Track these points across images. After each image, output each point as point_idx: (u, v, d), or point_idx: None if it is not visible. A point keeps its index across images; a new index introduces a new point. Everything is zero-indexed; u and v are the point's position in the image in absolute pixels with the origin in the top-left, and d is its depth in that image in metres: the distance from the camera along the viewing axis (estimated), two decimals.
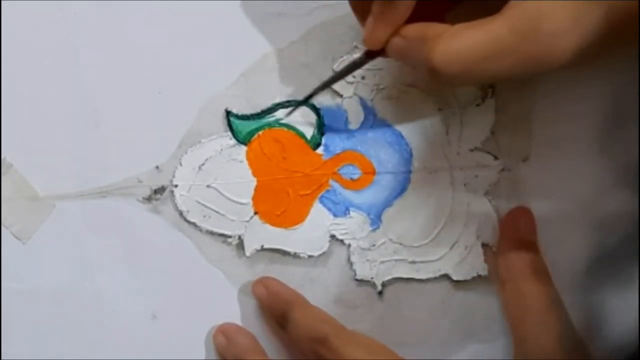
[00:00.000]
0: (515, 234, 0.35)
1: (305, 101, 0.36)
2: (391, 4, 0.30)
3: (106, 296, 0.37)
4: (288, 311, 0.35)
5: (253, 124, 0.37)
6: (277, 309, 0.35)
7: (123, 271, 0.37)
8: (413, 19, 0.30)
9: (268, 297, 0.36)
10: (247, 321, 0.37)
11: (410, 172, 0.36)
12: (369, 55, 0.33)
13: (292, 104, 0.36)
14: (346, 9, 0.36)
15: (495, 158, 0.36)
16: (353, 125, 0.37)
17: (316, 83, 0.36)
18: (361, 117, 0.37)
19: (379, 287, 0.36)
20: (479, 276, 0.36)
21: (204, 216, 0.36)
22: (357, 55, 0.34)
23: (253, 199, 0.36)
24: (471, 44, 0.28)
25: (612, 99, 0.36)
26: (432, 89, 0.36)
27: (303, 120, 0.37)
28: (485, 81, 0.35)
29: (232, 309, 0.37)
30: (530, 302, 0.34)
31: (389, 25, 0.31)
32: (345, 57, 0.36)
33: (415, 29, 0.30)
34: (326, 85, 0.35)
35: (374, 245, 0.36)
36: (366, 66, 0.36)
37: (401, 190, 0.36)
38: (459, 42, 0.28)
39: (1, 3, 0.36)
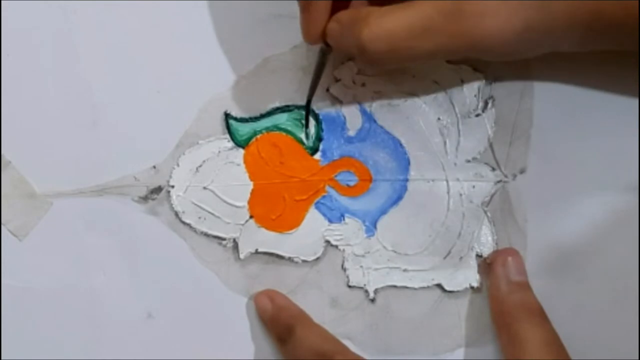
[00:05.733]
0: (505, 277, 0.35)
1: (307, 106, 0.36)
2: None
3: (102, 294, 0.37)
4: (294, 326, 0.35)
5: (251, 128, 0.37)
6: (282, 323, 0.35)
7: (119, 270, 0.37)
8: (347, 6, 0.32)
9: (273, 309, 0.36)
10: (241, 322, 0.37)
11: (407, 180, 0.37)
12: (324, 51, 0.34)
13: (292, 109, 0.37)
14: None
15: (493, 169, 0.36)
16: (351, 132, 0.37)
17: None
18: (360, 124, 0.37)
19: (372, 295, 0.36)
20: (471, 287, 0.36)
21: (199, 218, 0.37)
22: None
23: (249, 202, 0.37)
24: (398, 22, 0.30)
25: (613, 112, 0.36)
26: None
27: (302, 125, 0.37)
28: (414, 60, 0.34)
29: (226, 309, 0.37)
30: (526, 346, 0.33)
31: (315, 17, 0.32)
32: (347, 62, 0.36)
33: (348, 14, 0.32)
34: (312, 92, 0.36)
35: (368, 252, 0.36)
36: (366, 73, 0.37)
37: (397, 198, 0.36)
38: (386, 21, 0.30)
39: (1, 3, 0.36)
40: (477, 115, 0.36)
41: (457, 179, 0.36)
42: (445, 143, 0.36)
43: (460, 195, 0.36)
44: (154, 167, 0.37)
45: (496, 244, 0.36)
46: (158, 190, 0.37)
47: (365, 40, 0.30)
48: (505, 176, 0.36)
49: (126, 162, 0.37)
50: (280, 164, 0.37)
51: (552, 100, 0.36)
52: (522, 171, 0.36)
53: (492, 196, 0.36)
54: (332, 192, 0.37)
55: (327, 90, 0.36)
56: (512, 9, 0.29)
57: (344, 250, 0.37)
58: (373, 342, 0.36)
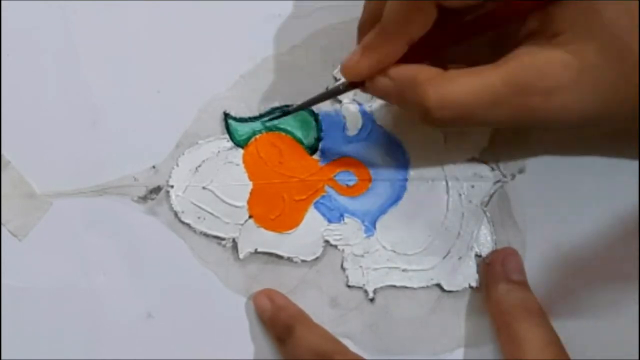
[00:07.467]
0: (504, 277, 0.35)
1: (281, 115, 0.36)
2: (387, 40, 0.29)
3: (101, 294, 0.37)
4: (293, 326, 0.35)
5: (251, 127, 0.37)
6: (281, 323, 0.35)
7: (119, 270, 0.37)
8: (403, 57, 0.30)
9: (272, 309, 0.36)
10: (240, 321, 0.37)
11: (406, 180, 0.37)
12: (350, 86, 0.32)
13: (291, 109, 0.37)
14: (347, 13, 0.36)
15: (492, 169, 0.36)
16: (351, 132, 0.37)
17: (315, 87, 0.36)
18: (359, 124, 0.37)
19: (371, 294, 0.36)
20: (471, 287, 0.36)
21: (199, 217, 0.37)
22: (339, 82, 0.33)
23: (248, 202, 0.37)
24: (466, 90, 0.28)
25: None
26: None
27: (301, 125, 0.37)
28: (481, 127, 0.34)
29: (226, 309, 0.37)
30: (526, 346, 0.32)
31: (376, 61, 0.30)
32: None
33: (405, 71, 0.30)
34: (300, 107, 0.35)
35: (367, 252, 0.36)
36: None
37: (396, 198, 0.37)
38: (453, 88, 0.28)
39: (1, 3, 0.36)
40: None
41: (457, 179, 0.36)
42: (444, 142, 0.36)
43: (460, 195, 0.36)
44: (154, 167, 0.37)
45: (495, 243, 0.36)
46: (157, 190, 0.37)
47: (432, 106, 0.28)
48: (505, 176, 0.36)
49: (126, 162, 0.37)
50: (280, 163, 0.37)
51: None
52: (521, 171, 0.36)
53: (491, 196, 0.36)
54: (332, 192, 0.37)
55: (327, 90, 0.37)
56: (582, 90, 0.28)
57: (343, 250, 0.37)
58: (373, 341, 0.36)
